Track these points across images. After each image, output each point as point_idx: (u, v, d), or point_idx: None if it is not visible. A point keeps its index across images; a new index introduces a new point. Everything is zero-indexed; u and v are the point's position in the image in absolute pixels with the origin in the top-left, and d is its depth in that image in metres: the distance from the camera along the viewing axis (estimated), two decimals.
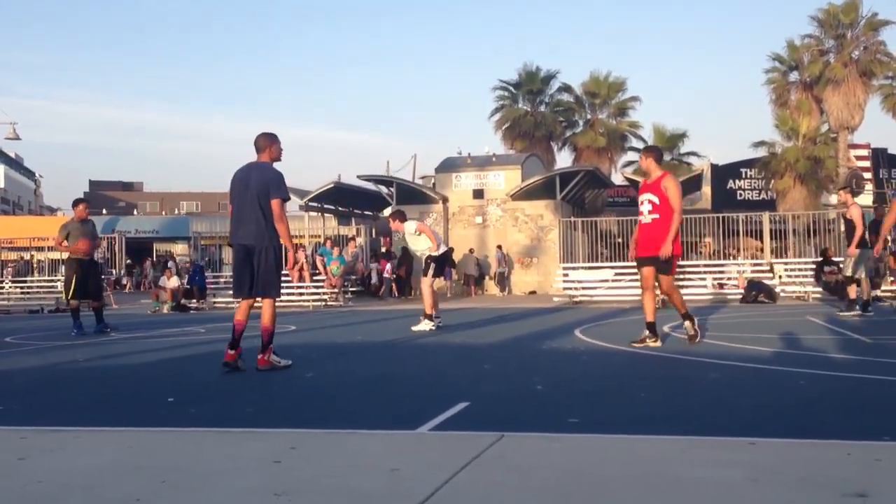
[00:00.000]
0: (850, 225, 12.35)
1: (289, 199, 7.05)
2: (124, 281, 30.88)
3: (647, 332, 8.04)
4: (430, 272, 11.30)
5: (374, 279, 25.51)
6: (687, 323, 8.23)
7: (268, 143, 6.86)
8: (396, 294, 25.46)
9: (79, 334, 11.37)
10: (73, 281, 11.64)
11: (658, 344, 7.93)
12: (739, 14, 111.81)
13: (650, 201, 8.00)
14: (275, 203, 6.68)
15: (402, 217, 11.84)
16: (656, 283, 8.17)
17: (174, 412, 4.94)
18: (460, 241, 27.87)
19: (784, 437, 3.73)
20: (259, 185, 6.67)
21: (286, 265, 7.35)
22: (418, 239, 11.57)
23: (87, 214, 12.08)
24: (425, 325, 10.92)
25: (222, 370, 6.68)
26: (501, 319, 13.44)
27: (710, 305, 16.75)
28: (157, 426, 4.40)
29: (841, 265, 13.00)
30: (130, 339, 10.82)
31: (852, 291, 12.53)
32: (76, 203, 12.08)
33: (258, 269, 6.74)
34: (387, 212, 32.53)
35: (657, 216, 7.92)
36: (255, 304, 6.93)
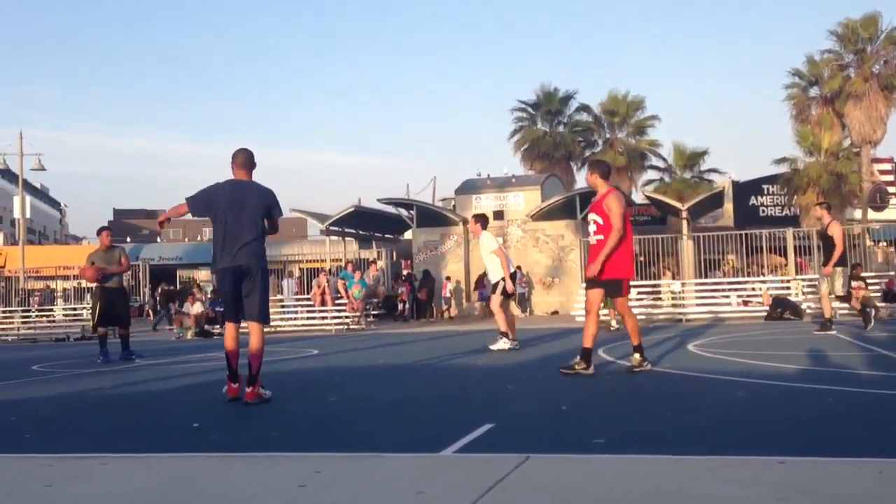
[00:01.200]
0: (828, 242, 12.05)
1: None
2: (147, 309, 30.97)
3: (578, 358, 7.51)
4: (499, 292, 11.20)
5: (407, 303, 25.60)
6: (636, 355, 7.61)
7: (253, 161, 6.60)
8: (415, 316, 25.48)
9: (105, 362, 11.45)
10: (98, 308, 11.77)
11: (590, 372, 7.36)
12: (758, 30, 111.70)
13: (595, 221, 7.58)
14: (274, 224, 6.58)
15: (484, 223, 11.72)
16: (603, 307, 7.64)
17: (199, 438, 4.96)
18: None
19: (812, 455, 3.68)
20: (261, 206, 6.41)
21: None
22: (489, 256, 11.46)
23: (111, 242, 12.20)
24: (503, 345, 10.81)
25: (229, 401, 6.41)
26: (524, 340, 13.39)
27: (736, 324, 16.59)
28: (182, 452, 4.42)
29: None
30: (155, 366, 10.89)
31: (828, 310, 12.27)
32: (99, 232, 12.25)
33: (255, 292, 6.41)
34: (408, 234, 32.67)
35: (601, 237, 7.46)
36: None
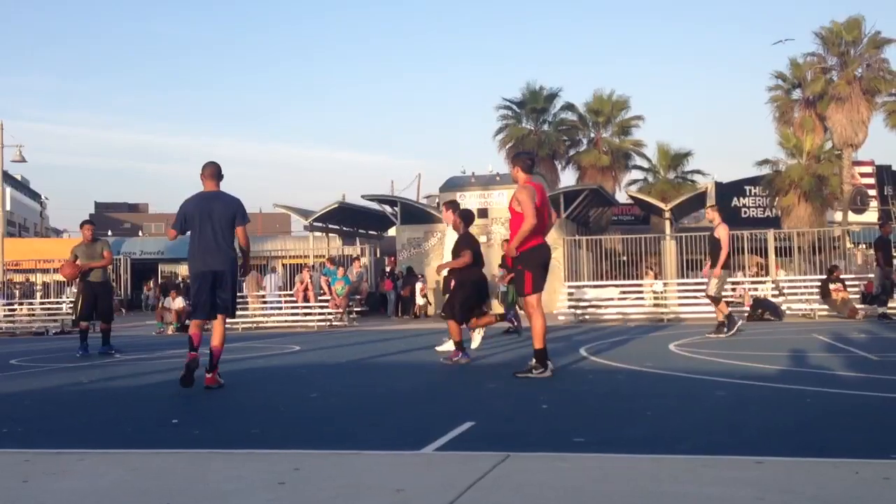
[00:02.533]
0: (716, 244, 12.17)
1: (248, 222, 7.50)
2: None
3: (532, 361, 7.24)
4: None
5: (420, 300, 25.50)
6: (534, 361, 7.23)
7: (220, 172, 7.33)
8: (399, 313, 25.49)
9: (84, 356, 11.37)
10: (82, 302, 11.69)
11: (547, 375, 7.12)
12: (742, 32, 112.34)
13: (509, 219, 7.49)
14: (241, 230, 7.17)
15: (455, 209, 9.67)
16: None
17: (178, 434, 4.93)
18: None
19: (791, 455, 3.71)
20: (226, 215, 7.11)
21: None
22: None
23: (93, 235, 12.10)
24: (448, 346, 9.79)
25: (206, 391, 6.86)
26: (506, 339, 13.41)
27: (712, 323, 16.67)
28: (161, 448, 4.39)
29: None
30: (135, 361, 10.82)
31: (720, 313, 12.34)
32: (82, 225, 12.15)
33: (225, 292, 7.15)
34: (392, 231, 32.65)
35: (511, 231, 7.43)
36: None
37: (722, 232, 12.14)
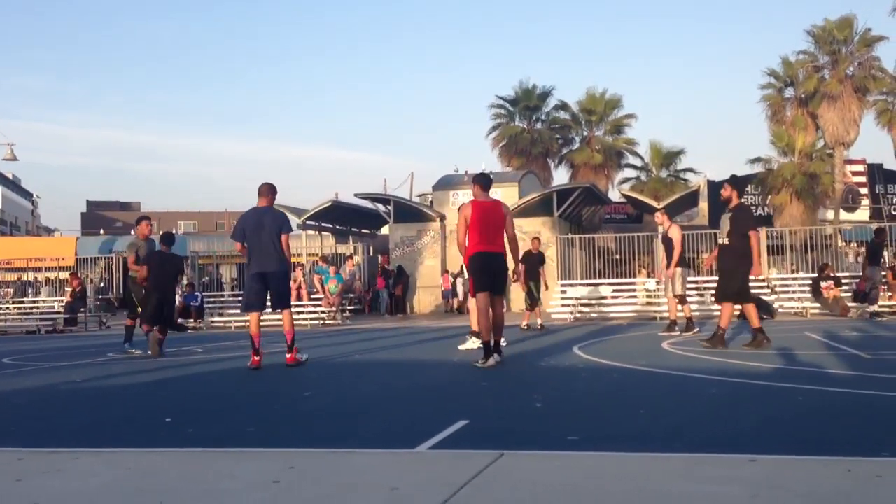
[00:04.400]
0: (669, 244, 12.40)
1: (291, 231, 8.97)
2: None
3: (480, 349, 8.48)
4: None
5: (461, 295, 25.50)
6: (471, 339, 8.62)
7: (272, 191, 8.88)
8: (392, 311, 25.49)
9: (127, 349, 11.26)
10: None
11: (489, 364, 8.00)
12: (735, 30, 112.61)
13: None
14: (284, 238, 8.68)
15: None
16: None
17: (172, 432, 4.92)
18: (458, 258, 27.84)
19: (784, 453, 3.72)
20: (274, 227, 8.67)
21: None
22: None
23: (150, 232, 11.75)
24: (472, 344, 9.98)
25: (250, 372, 8.19)
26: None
27: (710, 322, 16.71)
28: (155, 447, 4.38)
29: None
30: (128, 360, 10.78)
31: (687, 310, 12.59)
32: (139, 221, 11.62)
33: (276, 289, 8.78)
34: (385, 229, 32.60)
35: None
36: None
37: (675, 232, 12.43)
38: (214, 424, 5.28)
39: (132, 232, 54.99)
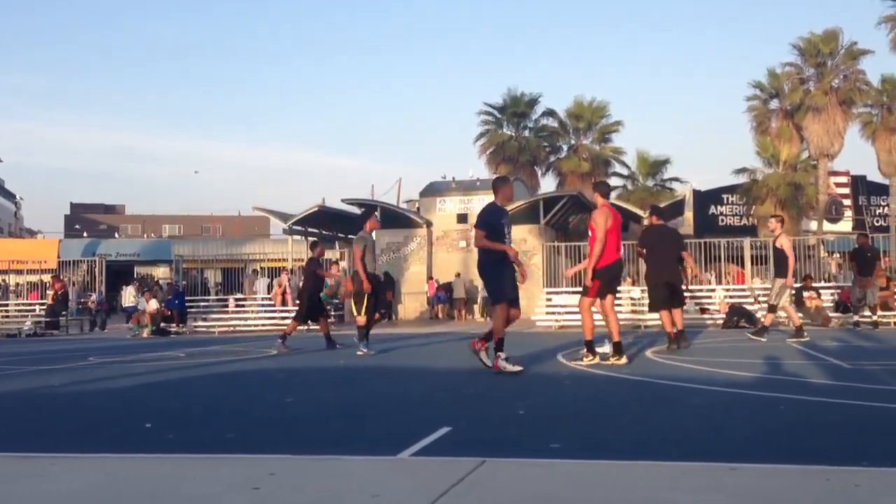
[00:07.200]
0: (779, 254, 12.69)
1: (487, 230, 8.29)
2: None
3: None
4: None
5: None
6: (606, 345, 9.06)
7: (511, 192, 8.93)
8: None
9: (368, 347, 10.96)
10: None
11: (622, 361, 8.58)
12: (722, 41, 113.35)
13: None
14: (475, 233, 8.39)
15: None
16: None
17: (153, 438, 4.89)
18: (444, 265, 27.94)
19: (765, 462, 3.74)
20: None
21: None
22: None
23: (377, 226, 12.15)
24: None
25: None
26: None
27: (693, 331, 16.78)
28: (135, 452, 4.35)
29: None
30: (109, 364, 10.72)
31: (769, 319, 13.11)
32: (367, 215, 11.62)
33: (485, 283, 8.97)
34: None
35: None
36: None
37: (784, 242, 12.57)
38: (195, 430, 5.24)
39: (116, 235, 54.52)
